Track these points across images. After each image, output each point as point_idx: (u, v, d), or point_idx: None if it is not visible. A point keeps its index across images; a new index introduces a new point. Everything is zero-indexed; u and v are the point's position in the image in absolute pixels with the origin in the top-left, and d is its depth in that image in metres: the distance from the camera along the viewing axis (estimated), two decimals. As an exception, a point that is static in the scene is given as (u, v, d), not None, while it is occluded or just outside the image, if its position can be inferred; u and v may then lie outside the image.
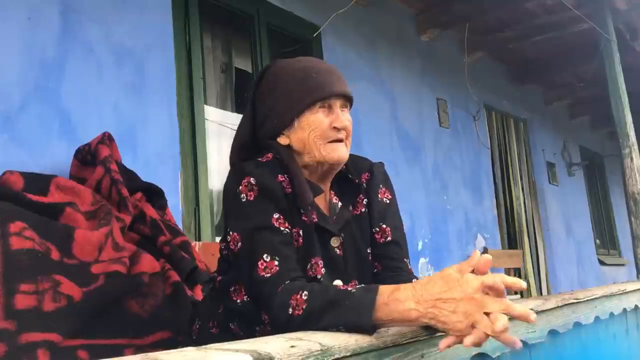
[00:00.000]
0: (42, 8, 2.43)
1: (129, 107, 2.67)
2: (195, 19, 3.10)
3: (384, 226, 1.45)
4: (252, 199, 1.29)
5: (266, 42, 3.53)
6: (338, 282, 1.31)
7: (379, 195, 1.48)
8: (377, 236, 1.45)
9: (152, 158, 2.71)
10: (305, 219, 1.35)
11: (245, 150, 1.46)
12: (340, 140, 1.37)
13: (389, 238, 1.45)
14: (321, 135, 1.36)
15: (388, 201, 1.49)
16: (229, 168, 1.43)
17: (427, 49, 4.95)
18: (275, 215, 1.28)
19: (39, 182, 2.03)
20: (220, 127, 3.44)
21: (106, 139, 2.32)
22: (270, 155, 1.37)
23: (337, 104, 1.38)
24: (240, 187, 1.30)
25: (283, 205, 1.31)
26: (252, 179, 1.30)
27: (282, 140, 1.40)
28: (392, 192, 1.51)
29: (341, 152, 1.38)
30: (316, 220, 1.36)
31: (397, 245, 1.46)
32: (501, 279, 0.98)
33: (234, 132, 1.50)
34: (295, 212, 1.33)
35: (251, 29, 3.50)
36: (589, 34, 4.31)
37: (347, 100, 1.41)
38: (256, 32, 3.49)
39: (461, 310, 0.97)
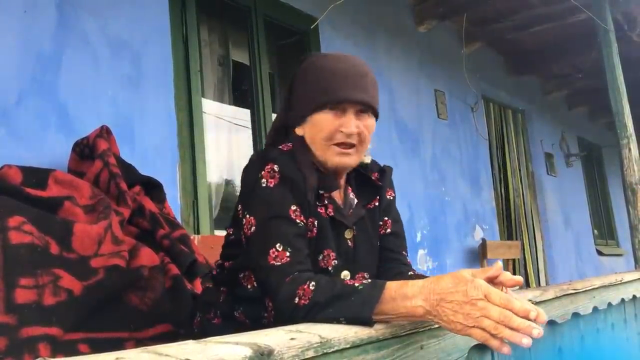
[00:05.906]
0: (38, 1, 2.41)
1: (126, 100, 2.66)
2: (192, 12, 3.09)
3: (386, 219, 1.52)
4: (272, 185, 1.32)
5: (263, 35, 3.51)
6: (346, 274, 1.38)
7: (386, 194, 1.55)
8: (379, 229, 1.52)
9: (150, 151, 2.71)
10: (321, 210, 1.37)
11: (279, 133, 1.49)
12: (348, 146, 1.38)
13: (389, 230, 1.52)
14: (326, 136, 1.38)
15: (392, 198, 1.57)
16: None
17: (425, 40, 4.94)
18: (293, 207, 1.30)
19: (37, 176, 2.02)
20: (218, 119, 3.43)
21: (104, 132, 2.32)
22: (290, 144, 1.40)
23: (351, 109, 1.37)
24: (263, 172, 1.33)
25: (302, 194, 1.32)
26: (275, 166, 1.33)
27: (299, 130, 1.43)
28: (394, 192, 1.60)
29: (343, 161, 1.39)
30: (332, 213, 1.39)
31: (397, 237, 1.53)
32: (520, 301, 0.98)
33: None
34: (313, 202, 1.36)
35: (248, 22, 3.48)
36: (587, 24, 4.28)
37: (368, 106, 1.39)
38: (253, 24, 3.47)
39: (462, 313, 0.99)
